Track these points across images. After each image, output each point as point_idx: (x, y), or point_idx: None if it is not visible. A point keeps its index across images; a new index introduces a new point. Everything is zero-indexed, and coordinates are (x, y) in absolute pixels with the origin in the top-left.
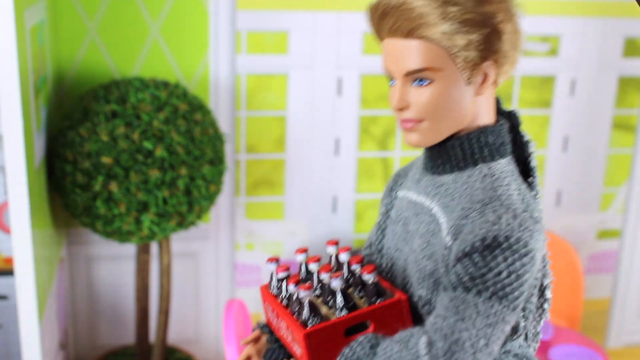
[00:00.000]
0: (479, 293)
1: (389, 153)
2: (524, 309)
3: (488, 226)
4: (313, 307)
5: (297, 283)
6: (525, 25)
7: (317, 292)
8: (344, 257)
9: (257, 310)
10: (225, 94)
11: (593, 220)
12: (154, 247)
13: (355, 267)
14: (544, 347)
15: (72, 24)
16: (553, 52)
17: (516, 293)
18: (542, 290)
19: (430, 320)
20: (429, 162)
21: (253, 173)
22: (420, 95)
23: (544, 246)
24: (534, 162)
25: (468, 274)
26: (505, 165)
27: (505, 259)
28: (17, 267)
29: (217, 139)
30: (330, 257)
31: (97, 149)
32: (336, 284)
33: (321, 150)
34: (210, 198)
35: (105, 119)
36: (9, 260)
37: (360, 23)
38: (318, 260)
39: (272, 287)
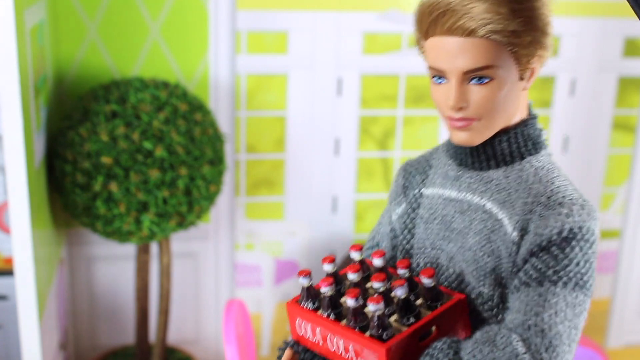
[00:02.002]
0: (565, 285)
1: (389, 153)
2: None
3: (562, 219)
4: (382, 320)
5: (357, 297)
6: None
7: (361, 301)
8: (378, 262)
9: (257, 310)
10: (225, 94)
11: None
12: (154, 247)
13: (404, 272)
14: None
15: (72, 24)
16: (553, 52)
17: (591, 281)
18: None
19: (515, 318)
20: (469, 159)
21: (253, 173)
22: (479, 94)
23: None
24: (549, 150)
25: (550, 267)
26: (547, 157)
27: (581, 249)
28: (17, 267)
29: (217, 139)
30: (355, 261)
31: (97, 149)
32: (401, 292)
33: (321, 150)
34: (210, 198)
35: (105, 119)
36: (9, 260)
37: (360, 23)
38: (358, 269)
39: (304, 302)
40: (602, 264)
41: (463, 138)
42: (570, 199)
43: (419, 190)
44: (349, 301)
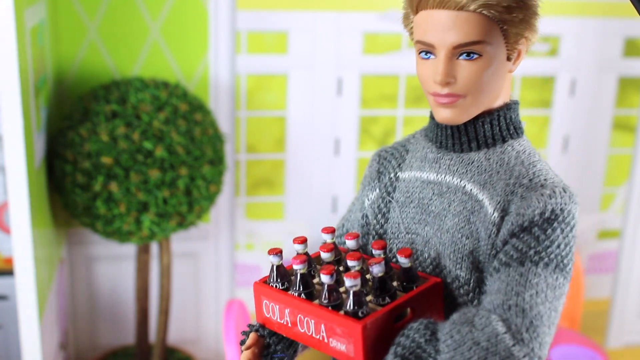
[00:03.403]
0: (546, 266)
1: None
2: None
3: (545, 199)
4: (358, 297)
5: (332, 273)
6: None
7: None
8: (352, 244)
9: None
10: (225, 94)
11: (593, 220)
12: (154, 247)
13: (379, 252)
14: None
15: (72, 24)
16: (553, 52)
17: (570, 264)
18: None
19: (494, 299)
20: (449, 141)
21: (253, 173)
22: (467, 69)
23: None
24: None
25: (532, 248)
26: (528, 142)
27: (562, 231)
28: (17, 267)
29: (217, 139)
30: (326, 243)
31: (97, 149)
32: (378, 269)
33: (321, 150)
34: (210, 198)
35: (105, 119)
36: (9, 260)
37: (360, 23)
38: (332, 249)
39: (273, 282)
40: (602, 264)
41: (448, 115)
42: (552, 182)
43: (395, 174)
44: (324, 277)
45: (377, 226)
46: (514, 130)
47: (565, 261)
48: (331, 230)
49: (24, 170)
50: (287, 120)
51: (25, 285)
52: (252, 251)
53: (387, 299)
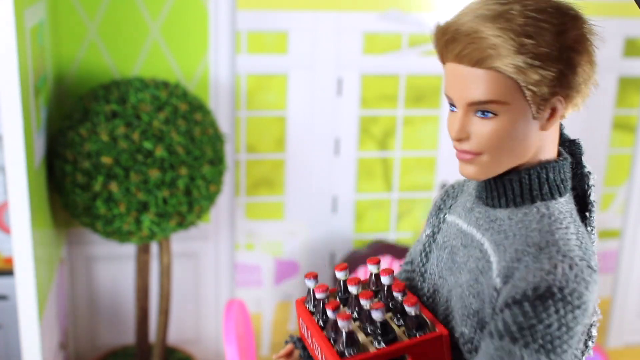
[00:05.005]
0: (526, 345)
1: (389, 153)
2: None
3: (542, 274)
4: (350, 337)
5: (336, 309)
6: None
7: (355, 315)
8: (386, 280)
9: (257, 310)
10: (225, 94)
11: None
12: (154, 247)
13: (397, 295)
14: None
15: (72, 24)
16: None
17: (564, 346)
18: (588, 328)
19: None
20: (483, 192)
21: (253, 173)
22: (482, 128)
23: (597, 292)
24: (594, 196)
25: (516, 324)
26: (564, 205)
27: (557, 311)
28: (17, 267)
29: (217, 139)
30: (371, 274)
31: (97, 149)
32: (377, 315)
33: (321, 150)
34: (210, 198)
35: (105, 119)
36: (9, 260)
37: (360, 23)
38: (358, 282)
39: (308, 304)
40: (602, 264)
41: (467, 171)
42: (563, 255)
43: (444, 215)
44: (329, 312)
45: (420, 264)
46: (548, 190)
47: (555, 343)
48: (376, 261)
49: (24, 170)
50: (287, 120)
51: (25, 285)
52: (252, 251)
53: (382, 344)
